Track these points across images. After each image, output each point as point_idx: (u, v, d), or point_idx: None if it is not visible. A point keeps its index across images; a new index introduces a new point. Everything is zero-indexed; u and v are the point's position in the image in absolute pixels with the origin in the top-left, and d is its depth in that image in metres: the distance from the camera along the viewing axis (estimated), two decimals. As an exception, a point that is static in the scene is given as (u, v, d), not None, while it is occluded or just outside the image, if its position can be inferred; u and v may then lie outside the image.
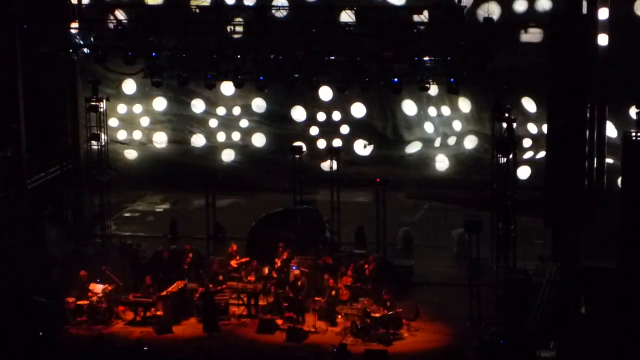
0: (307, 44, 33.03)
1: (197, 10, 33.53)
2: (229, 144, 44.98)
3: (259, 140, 44.88)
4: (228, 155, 44.89)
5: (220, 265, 32.07)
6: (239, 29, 33.58)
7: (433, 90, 38.07)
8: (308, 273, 31.56)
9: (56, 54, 35.48)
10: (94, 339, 28.71)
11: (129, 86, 44.55)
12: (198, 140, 45.10)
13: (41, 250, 34.84)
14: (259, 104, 44.51)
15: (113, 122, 44.10)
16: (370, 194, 37.52)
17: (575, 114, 30.57)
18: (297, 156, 36.33)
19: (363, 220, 36.01)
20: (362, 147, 43.36)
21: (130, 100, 44.96)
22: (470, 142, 43.04)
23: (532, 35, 38.83)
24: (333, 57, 33.30)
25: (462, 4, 32.49)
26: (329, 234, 34.86)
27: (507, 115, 31.24)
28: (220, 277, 31.32)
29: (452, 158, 43.24)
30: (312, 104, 43.88)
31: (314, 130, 44.16)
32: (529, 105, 41.06)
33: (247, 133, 44.90)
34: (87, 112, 37.05)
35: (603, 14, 36.90)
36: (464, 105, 42.62)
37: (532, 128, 41.44)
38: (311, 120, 44.20)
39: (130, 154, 44.84)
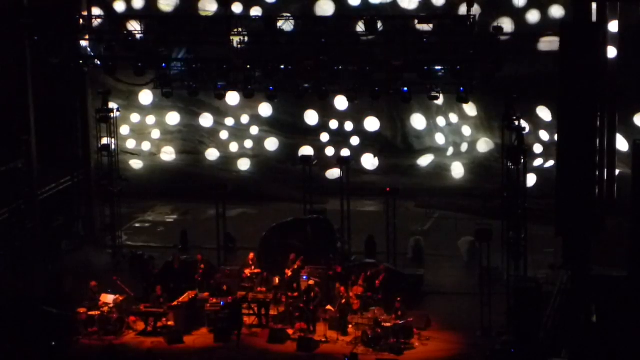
0: (316, 54, 33.05)
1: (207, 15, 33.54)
2: (239, 155, 44.99)
3: (269, 147, 44.87)
4: (243, 165, 44.90)
5: (229, 274, 32.07)
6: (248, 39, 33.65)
7: (440, 99, 38.05)
8: (319, 283, 31.55)
9: (66, 65, 35.56)
10: (105, 350, 28.74)
11: (146, 97, 44.58)
12: (211, 153, 45.10)
13: (52, 261, 34.90)
14: (267, 111, 44.52)
15: (125, 129, 44.17)
16: (380, 203, 37.53)
17: (585, 122, 30.53)
18: (306, 167, 36.36)
19: (373, 229, 36.00)
20: (370, 162, 43.42)
21: (144, 110, 45.00)
22: (483, 146, 42.91)
23: (550, 43, 38.68)
24: (342, 67, 33.31)
25: (471, 14, 32.48)
26: (339, 243, 34.84)
27: (516, 123, 31.24)
28: (225, 287, 31.30)
29: (466, 166, 43.16)
30: (326, 111, 43.82)
31: (324, 137, 44.17)
32: (545, 113, 40.92)
33: (257, 142, 44.92)
34: (98, 123, 37.12)
35: (613, 26, 36.84)
36: (470, 109, 42.54)
37: (544, 135, 41.34)
38: (323, 127, 44.19)
39: (137, 164, 44.87)
